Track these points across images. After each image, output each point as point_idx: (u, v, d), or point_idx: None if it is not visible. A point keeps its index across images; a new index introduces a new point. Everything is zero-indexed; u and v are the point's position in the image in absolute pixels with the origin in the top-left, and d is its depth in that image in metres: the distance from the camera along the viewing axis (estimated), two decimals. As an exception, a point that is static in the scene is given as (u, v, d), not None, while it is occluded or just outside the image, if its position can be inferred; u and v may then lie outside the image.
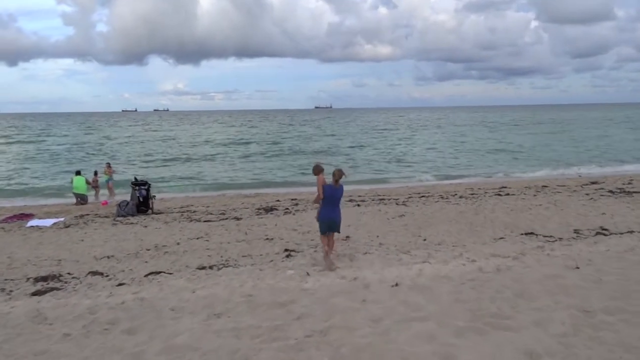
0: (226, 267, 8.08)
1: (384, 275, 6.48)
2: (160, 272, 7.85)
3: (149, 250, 9.47)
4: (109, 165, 20.33)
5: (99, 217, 13.00)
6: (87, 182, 16.58)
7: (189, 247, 9.62)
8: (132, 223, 11.92)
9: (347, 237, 10.13)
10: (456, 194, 15.46)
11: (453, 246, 9.33)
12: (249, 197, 17.17)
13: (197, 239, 10.26)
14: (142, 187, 13.18)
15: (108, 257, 8.99)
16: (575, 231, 10.20)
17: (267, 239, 10.13)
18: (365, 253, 8.84)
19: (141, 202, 13.04)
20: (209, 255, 8.97)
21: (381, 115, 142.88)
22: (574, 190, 15.77)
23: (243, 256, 8.90)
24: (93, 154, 37.11)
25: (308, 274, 7.16)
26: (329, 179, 7.90)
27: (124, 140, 50.91)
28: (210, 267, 8.03)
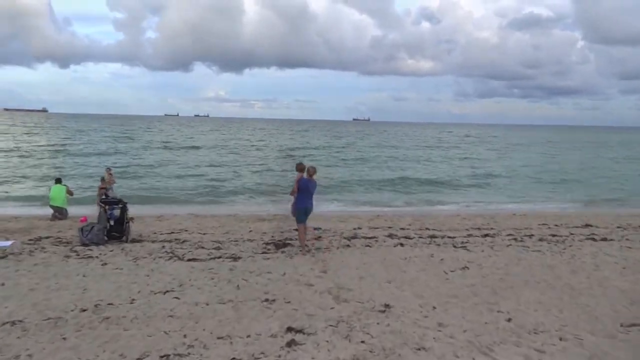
0: (182, 366, 4.75)
1: None
2: (66, 372, 4.59)
3: (84, 311, 6.22)
4: (109, 171, 17.50)
5: (59, 242, 9.91)
6: (69, 193, 13.67)
7: (147, 309, 6.32)
8: (90, 257, 8.74)
9: (387, 305, 6.64)
10: (532, 235, 11.66)
11: (560, 339, 5.73)
12: (265, 220, 13.84)
13: (165, 293, 6.96)
14: (114, 206, 10.03)
15: (13, 324, 5.78)
16: None
17: (266, 300, 6.74)
18: (419, 348, 5.34)
19: (112, 227, 9.89)
20: (166, 332, 5.64)
21: (426, 130, 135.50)
22: (695, 238, 11.71)
23: (219, 338, 5.53)
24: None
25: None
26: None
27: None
28: (153, 367, 4.71)
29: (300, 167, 9.42)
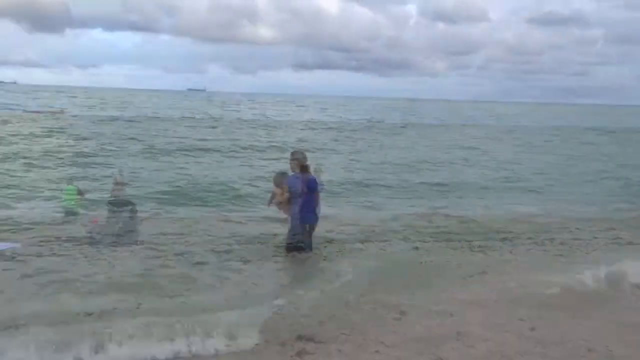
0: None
1: None
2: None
3: (89, 315, 6.07)
4: (122, 173, 17.43)
5: (68, 244, 9.76)
6: (80, 193, 13.60)
7: (153, 315, 6.14)
8: (98, 259, 8.57)
9: (402, 312, 6.35)
10: (553, 238, 11.24)
11: (589, 350, 5.43)
12: (276, 222, 13.46)
13: (172, 297, 6.77)
14: (124, 208, 9.91)
15: (16, 328, 5.64)
16: None
17: (276, 306, 6.50)
18: (437, 359, 5.05)
19: (122, 228, 9.76)
20: (171, 339, 5.44)
21: (444, 132, 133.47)
22: None
23: (227, 345, 5.32)
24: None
25: None
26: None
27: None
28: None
29: (303, 169, 9.42)
